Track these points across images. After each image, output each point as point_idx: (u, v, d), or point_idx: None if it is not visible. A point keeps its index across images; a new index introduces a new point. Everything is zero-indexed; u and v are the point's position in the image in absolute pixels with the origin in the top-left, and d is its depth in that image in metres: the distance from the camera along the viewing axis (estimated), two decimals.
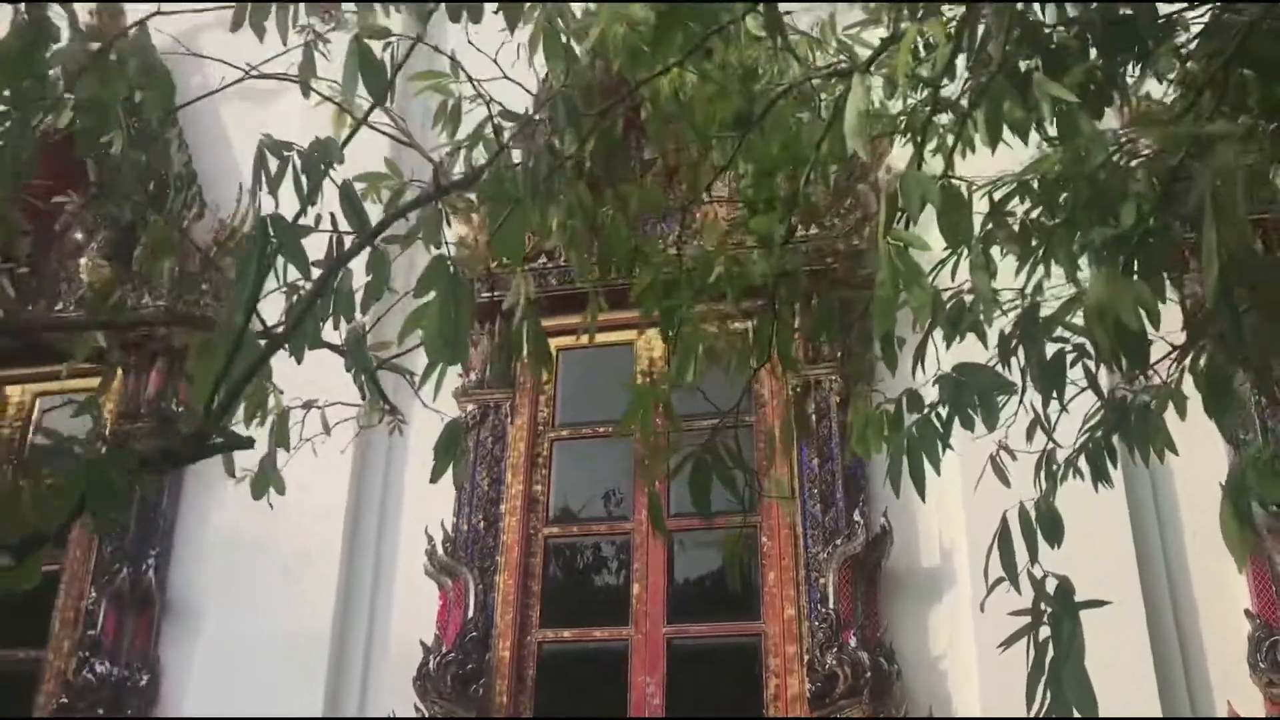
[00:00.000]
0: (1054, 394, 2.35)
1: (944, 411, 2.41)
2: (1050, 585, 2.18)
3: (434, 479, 2.33)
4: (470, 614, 4.89)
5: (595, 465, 5.19)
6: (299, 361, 1.66)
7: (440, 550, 5.00)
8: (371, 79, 1.68)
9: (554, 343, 5.17)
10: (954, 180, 2.19)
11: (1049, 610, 2.20)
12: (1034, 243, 2.39)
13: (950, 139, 2.33)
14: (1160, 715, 4.20)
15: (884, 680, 4.46)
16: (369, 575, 5.12)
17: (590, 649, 4.94)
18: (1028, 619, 2.15)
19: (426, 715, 4.72)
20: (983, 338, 2.40)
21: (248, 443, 1.56)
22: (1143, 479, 4.50)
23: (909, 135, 2.49)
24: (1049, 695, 2.20)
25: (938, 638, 4.61)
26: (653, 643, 4.82)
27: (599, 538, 5.14)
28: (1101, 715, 4.11)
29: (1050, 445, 2.56)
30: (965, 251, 2.32)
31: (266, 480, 1.94)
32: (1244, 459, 2.23)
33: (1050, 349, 2.35)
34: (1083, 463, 2.67)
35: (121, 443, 3.98)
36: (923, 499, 2.30)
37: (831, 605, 4.59)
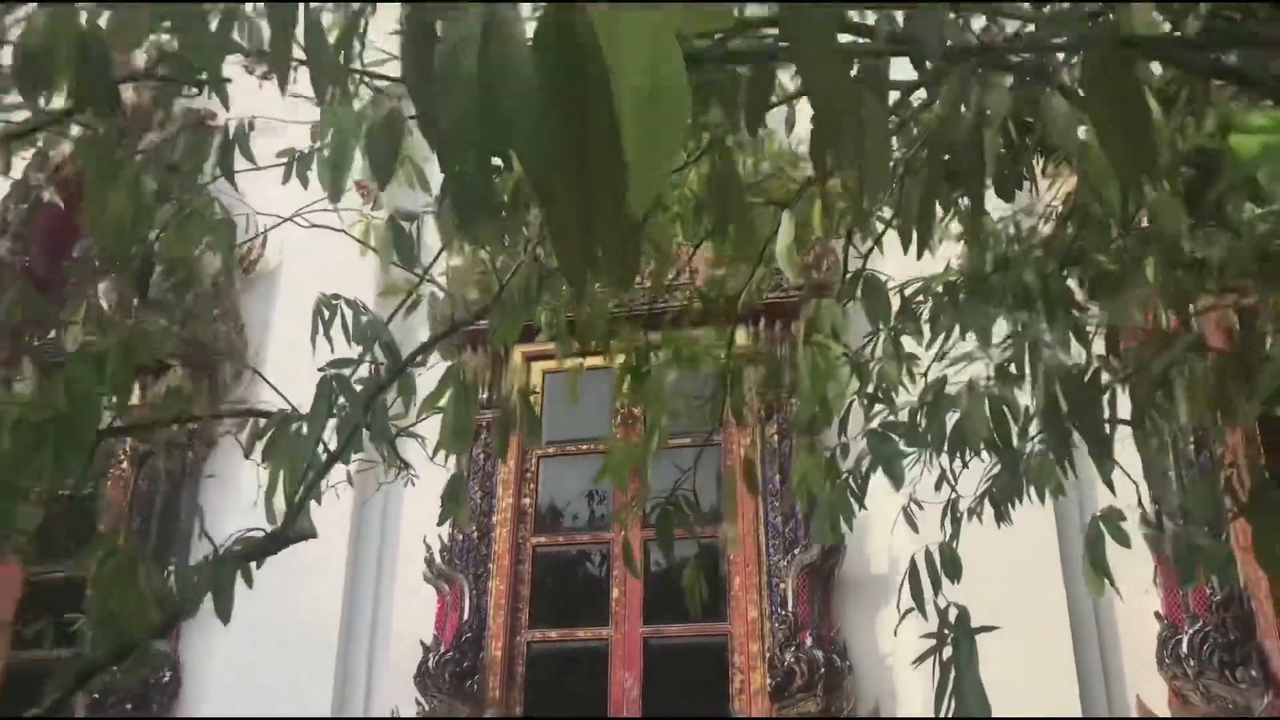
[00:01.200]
0: (957, 454, 2.90)
1: (864, 467, 2.97)
2: (952, 613, 2.74)
3: (440, 523, 2.86)
4: (465, 616, 5.43)
5: (579, 479, 5.72)
6: (345, 463, 2.18)
7: (438, 559, 5.53)
8: (403, 249, 2.19)
9: (539, 366, 5.73)
10: (876, 273, 2.73)
11: (950, 634, 2.76)
12: (939, 325, 2.93)
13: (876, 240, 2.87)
14: (1080, 704, 4.79)
15: (837, 676, 5.03)
16: (372, 581, 5.64)
17: (574, 648, 5.49)
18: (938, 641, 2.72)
19: (427, 709, 5.26)
20: (894, 410, 2.93)
21: (314, 533, 2.06)
22: (1069, 502, 5.05)
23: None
24: (953, 702, 2.76)
25: (885, 638, 5.16)
26: (630, 642, 5.37)
27: (581, 546, 5.69)
28: (1029, 706, 4.77)
29: (954, 495, 3.10)
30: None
31: (302, 534, 2.45)
32: (1095, 518, 2.76)
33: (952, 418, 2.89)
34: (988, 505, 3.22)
35: None
36: (840, 541, 2.85)
37: (790, 608, 5.15)
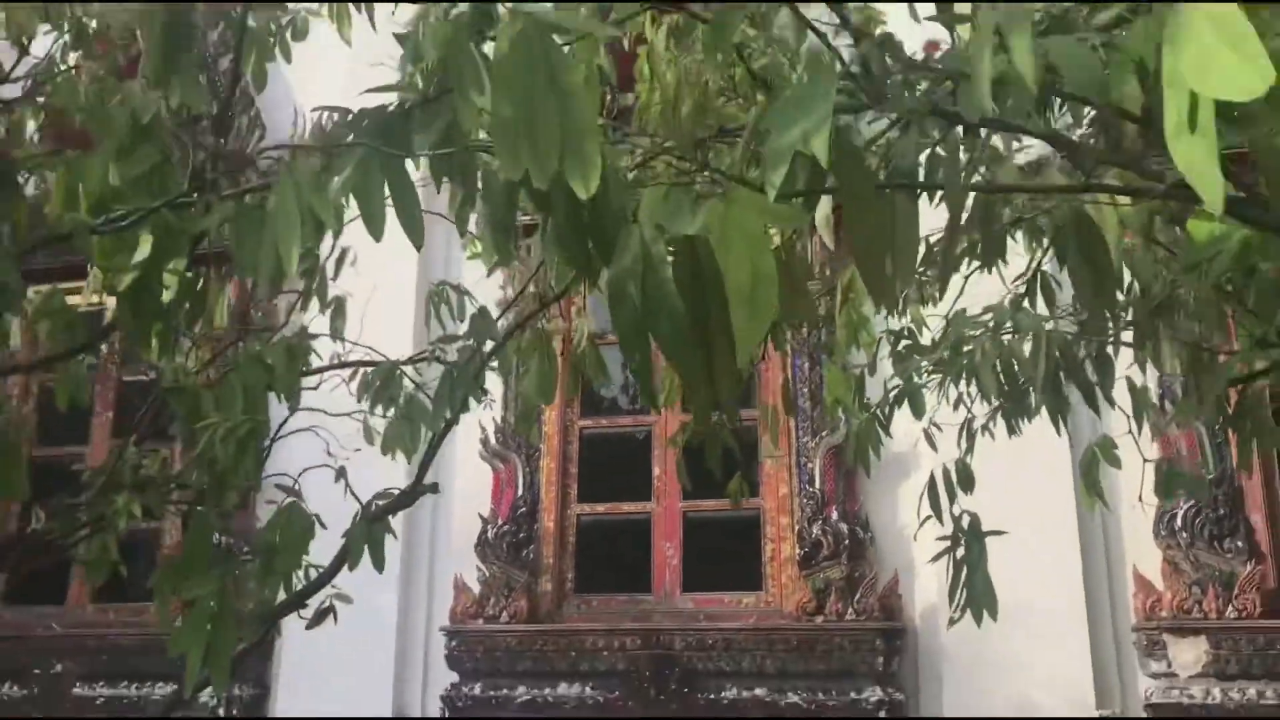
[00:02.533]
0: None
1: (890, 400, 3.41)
2: (965, 521, 3.22)
3: (519, 433, 3.32)
4: (520, 492, 5.97)
5: (623, 371, 6.17)
6: (455, 424, 2.63)
7: (493, 439, 6.03)
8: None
9: None
10: None
11: (964, 537, 3.24)
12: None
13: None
14: (1082, 574, 5.32)
15: (859, 546, 5.56)
16: (435, 459, 6.15)
17: (619, 520, 6.05)
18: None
19: (487, 575, 5.85)
20: (919, 347, 3.33)
21: (437, 490, 2.50)
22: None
23: None
24: (965, 594, 3.27)
25: (905, 511, 5.67)
26: (671, 515, 5.91)
27: (625, 429, 6.18)
28: (1036, 573, 5.30)
29: (970, 416, 3.53)
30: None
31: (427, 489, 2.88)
32: (1091, 446, 3.19)
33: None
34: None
35: None
36: (868, 475, 3.30)
37: (818, 485, 5.66)
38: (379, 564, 2.32)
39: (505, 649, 5.71)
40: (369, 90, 1.62)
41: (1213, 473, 5.27)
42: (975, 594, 3.29)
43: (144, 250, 1.46)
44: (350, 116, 1.56)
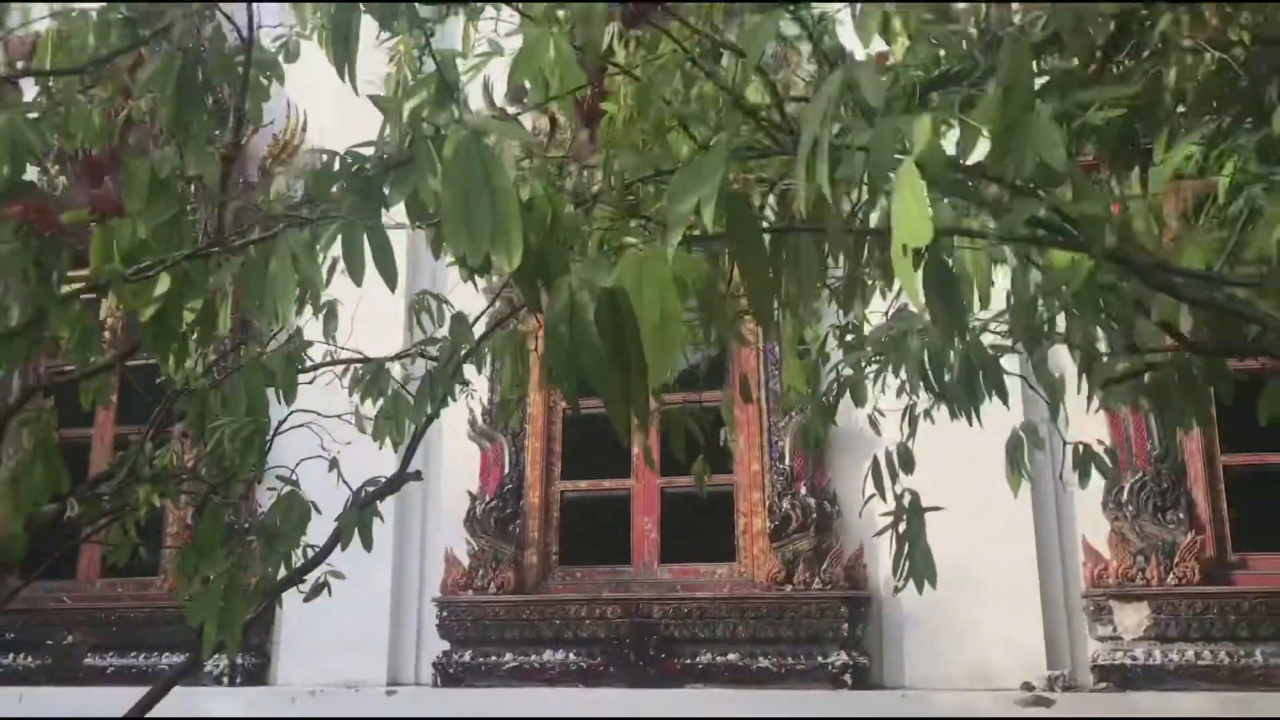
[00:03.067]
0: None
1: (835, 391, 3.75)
2: (907, 498, 3.56)
3: (500, 421, 3.64)
4: (506, 470, 6.30)
5: None
6: (437, 417, 2.94)
7: (480, 420, 6.36)
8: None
9: None
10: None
11: (905, 513, 3.58)
12: None
13: None
14: (1035, 545, 5.67)
15: (827, 519, 5.90)
16: (419, 447, 6.48)
17: (601, 496, 6.39)
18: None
19: (476, 549, 6.19)
20: (861, 340, 3.65)
21: (420, 477, 2.83)
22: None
23: None
24: (907, 565, 3.61)
25: (869, 487, 6.00)
26: (649, 491, 6.25)
27: (605, 411, 6.48)
28: (990, 545, 5.64)
29: (912, 401, 3.85)
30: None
31: (410, 478, 3.18)
32: (1015, 430, 3.52)
33: None
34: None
35: None
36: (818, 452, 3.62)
37: (787, 463, 5.99)
38: (368, 544, 2.65)
39: (493, 618, 6.06)
40: (357, 145, 1.94)
41: (1158, 449, 5.61)
42: (916, 565, 3.65)
43: (163, 286, 1.77)
44: (338, 166, 1.88)
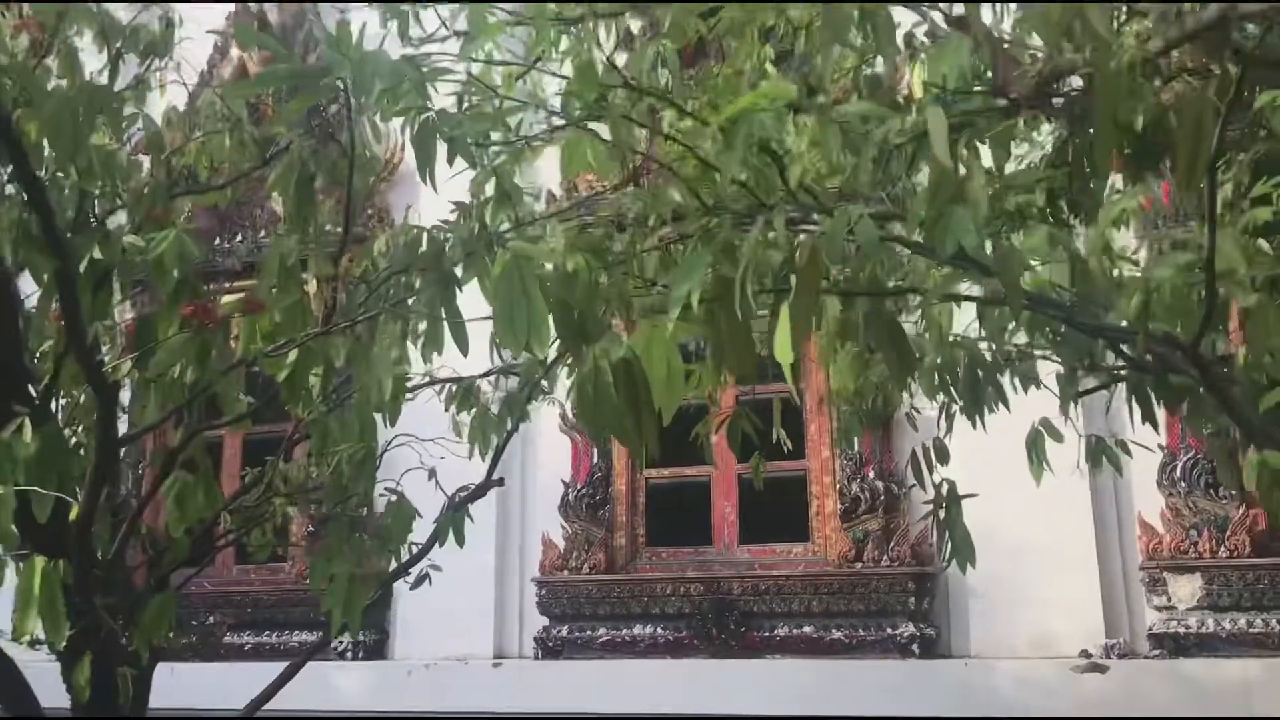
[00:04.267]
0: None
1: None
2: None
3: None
4: (595, 460, 6.88)
5: (686, 353, 7.00)
6: (515, 431, 3.50)
7: (570, 414, 6.94)
8: None
9: None
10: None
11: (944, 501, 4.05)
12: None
13: None
14: (1093, 520, 6.04)
15: (894, 500, 6.35)
16: (519, 432, 7.09)
17: (683, 482, 6.92)
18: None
19: (570, 533, 6.79)
20: None
21: (503, 484, 3.38)
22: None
23: None
24: (949, 546, 4.08)
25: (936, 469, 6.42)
26: (728, 477, 6.77)
27: (686, 403, 7.01)
28: (1045, 520, 6.05)
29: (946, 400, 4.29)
30: None
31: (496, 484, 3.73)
32: (1035, 425, 3.94)
33: None
34: None
35: None
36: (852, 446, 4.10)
37: (856, 448, 6.45)
38: (460, 541, 3.23)
39: (587, 596, 6.66)
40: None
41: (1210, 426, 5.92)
42: (957, 547, 4.12)
43: (292, 358, 2.36)
44: (423, 247, 2.44)
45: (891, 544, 6.24)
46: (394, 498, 3.17)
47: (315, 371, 2.28)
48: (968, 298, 2.36)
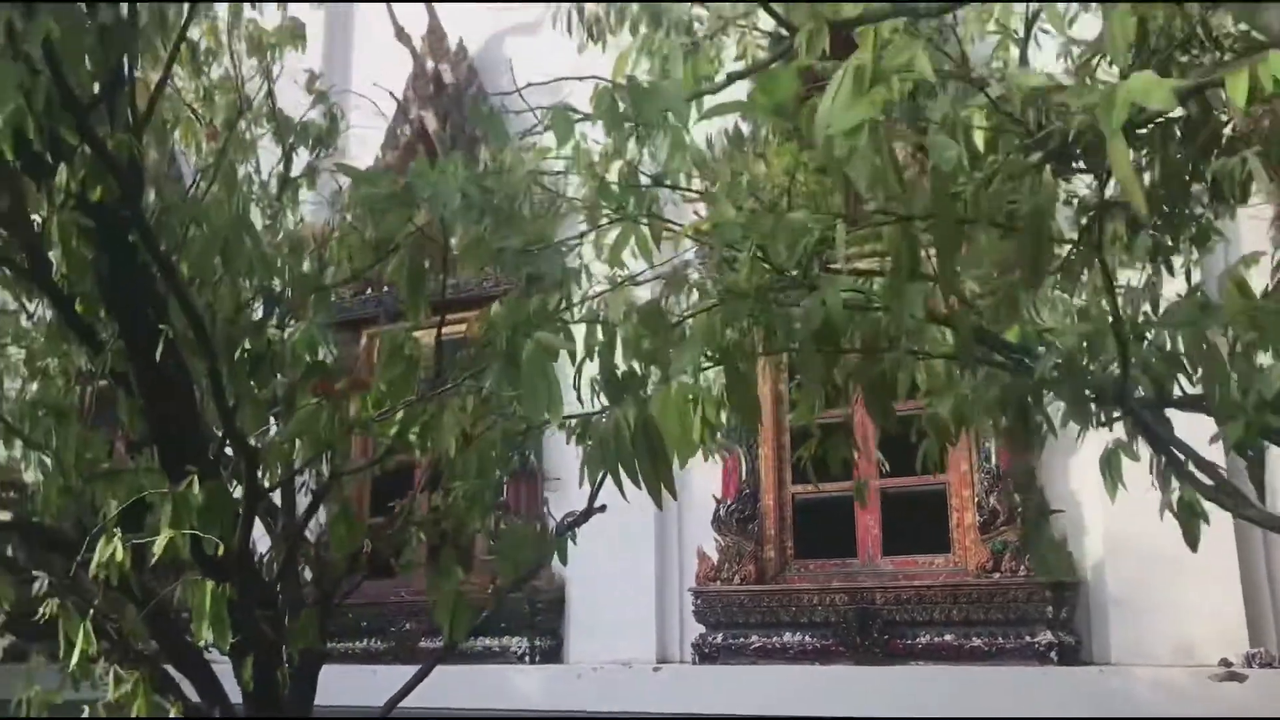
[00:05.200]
0: None
1: None
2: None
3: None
4: (744, 477, 7.38)
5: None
6: None
7: (719, 434, 7.44)
8: None
9: None
10: None
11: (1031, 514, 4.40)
12: None
13: None
14: (1233, 524, 6.12)
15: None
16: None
17: (828, 498, 7.32)
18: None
19: (722, 544, 7.30)
20: None
21: (604, 509, 3.94)
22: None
23: None
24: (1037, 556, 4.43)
25: (1074, 480, 6.62)
26: (871, 492, 7.13)
27: (826, 421, 7.43)
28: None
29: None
30: None
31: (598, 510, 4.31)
32: (1108, 446, 4.21)
33: None
34: None
35: None
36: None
37: (994, 462, 6.71)
38: (564, 560, 3.80)
39: (739, 605, 7.16)
40: None
41: None
42: (1045, 556, 4.46)
43: (399, 422, 3.00)
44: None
45: (1029, 554, 6.48)
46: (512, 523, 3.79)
47: (414, 430, 2.90)
48: (936, 355, 2.78)
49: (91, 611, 2.98)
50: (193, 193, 3.72)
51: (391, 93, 7.53)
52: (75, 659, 2.87)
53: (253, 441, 3.07)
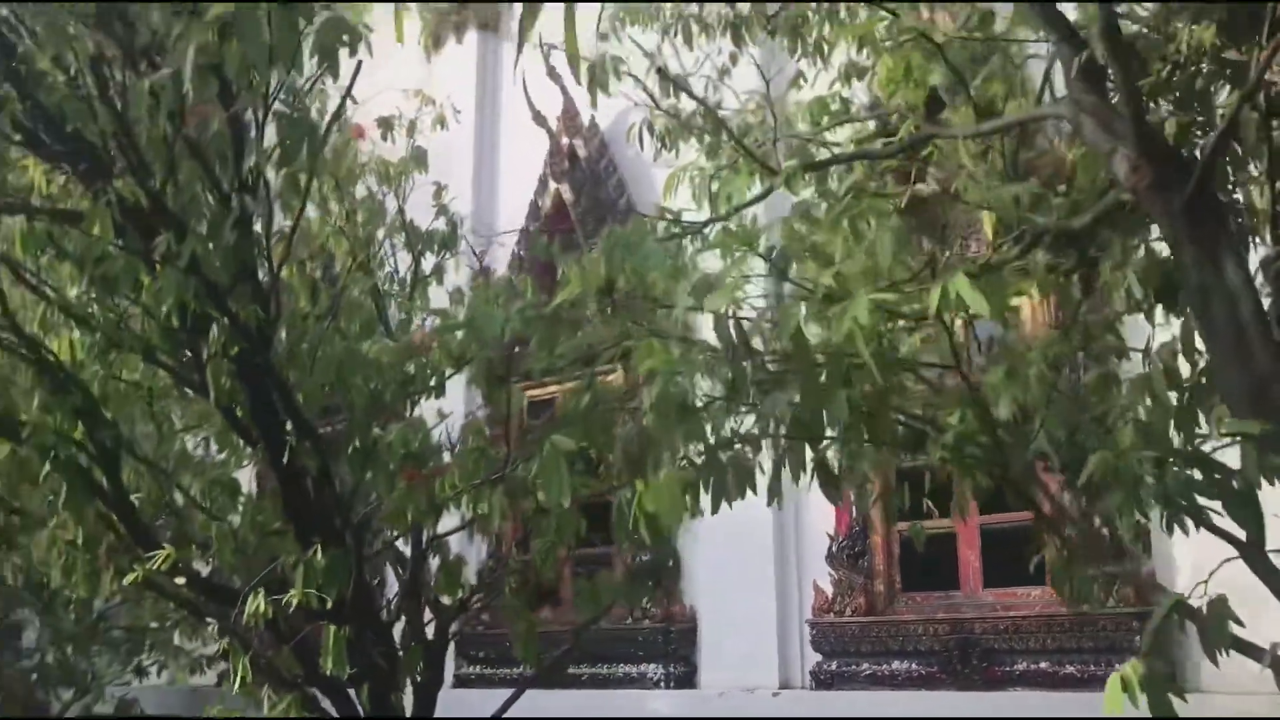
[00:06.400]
0: None
1: None
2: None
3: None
4: (854, 515, 8.02)
5: None
6: None
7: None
8: None
9: None
10: None
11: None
12: None
13: None
14: None
15: (1120, 548, 7.00)
16: (792, 496, 8.35)
17: (932, 534, 7.85)
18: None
19: (836, 577, 7.96)
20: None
21: None
22: None
23: None
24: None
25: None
26: (971, 529, 7.67)
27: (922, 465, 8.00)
28: None
29: None
30: None
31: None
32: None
33: None
34: None
35: None
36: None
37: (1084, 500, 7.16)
38: (636, 604, 4.61)
39: (851, 635, 7.81)
40: None
41: None
42: (1155, 639, 4.97)
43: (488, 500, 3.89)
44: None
45: (1116, 586, 6.91)
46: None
47: (489, 501, 3.76)
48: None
49: (250, 649, 3.96)
50: (316, 306, 4.69)
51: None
52: (237, 684, 3.86)
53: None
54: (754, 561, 8.31)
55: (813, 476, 3.93)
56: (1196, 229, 3.03)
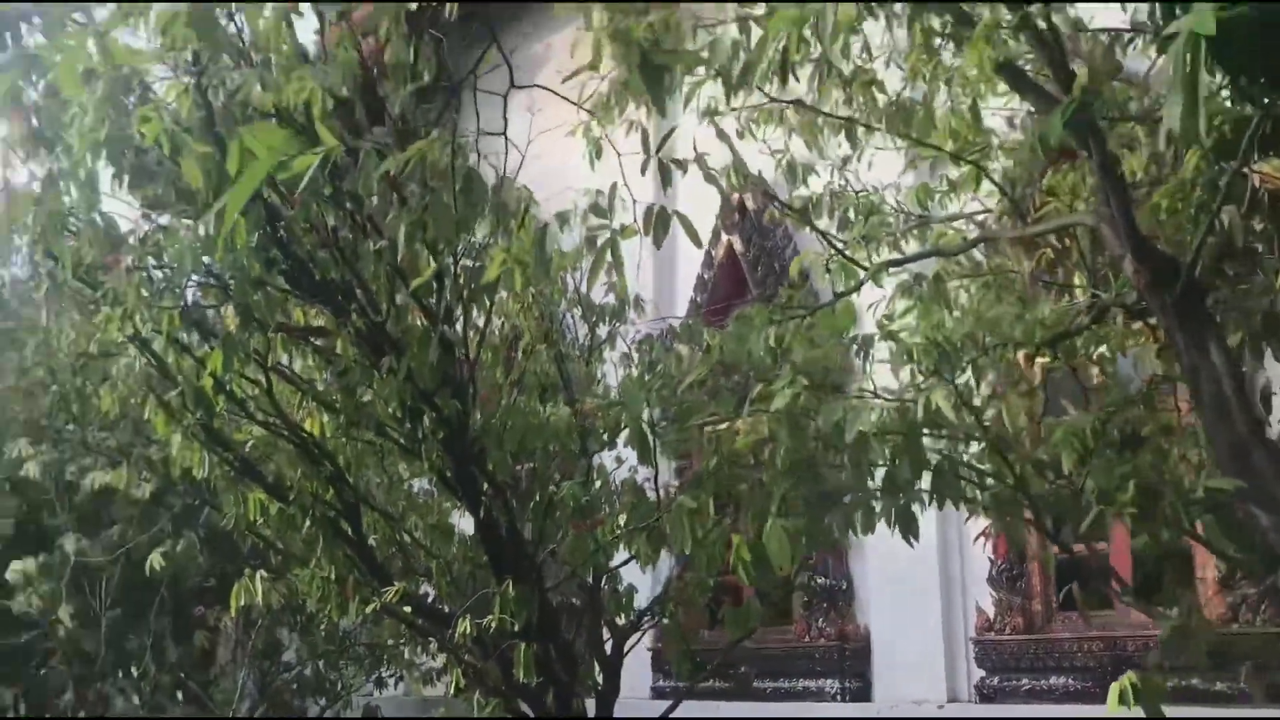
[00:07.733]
0: None
1: None
2: None
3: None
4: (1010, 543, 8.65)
5: None
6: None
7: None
8: None
9: None
10: None
11: None
12: None
13: None
14: None
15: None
16: (955, 526, 9.03)
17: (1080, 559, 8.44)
18: None
19: (997, 598, 8.61)
20: None
21: None
22: None
23: None
24: None
25: None
26: (1122, 552, 8.20)
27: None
28: None
29: None
30: None
31: None
32: None
33: None
34: None
35: None
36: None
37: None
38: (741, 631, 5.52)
39: (1010, 653, 8.45)
40: None
41: None
42: None
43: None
44: None
45: (1263, 606, 7.36)
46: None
47: (639, 546, 4.76)
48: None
49: (462, 662, 5.08)
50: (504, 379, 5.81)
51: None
52: (452, 690, 4.98)
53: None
54: (922, 584, 9.04)
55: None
56: (1187, 320, 3.79)
